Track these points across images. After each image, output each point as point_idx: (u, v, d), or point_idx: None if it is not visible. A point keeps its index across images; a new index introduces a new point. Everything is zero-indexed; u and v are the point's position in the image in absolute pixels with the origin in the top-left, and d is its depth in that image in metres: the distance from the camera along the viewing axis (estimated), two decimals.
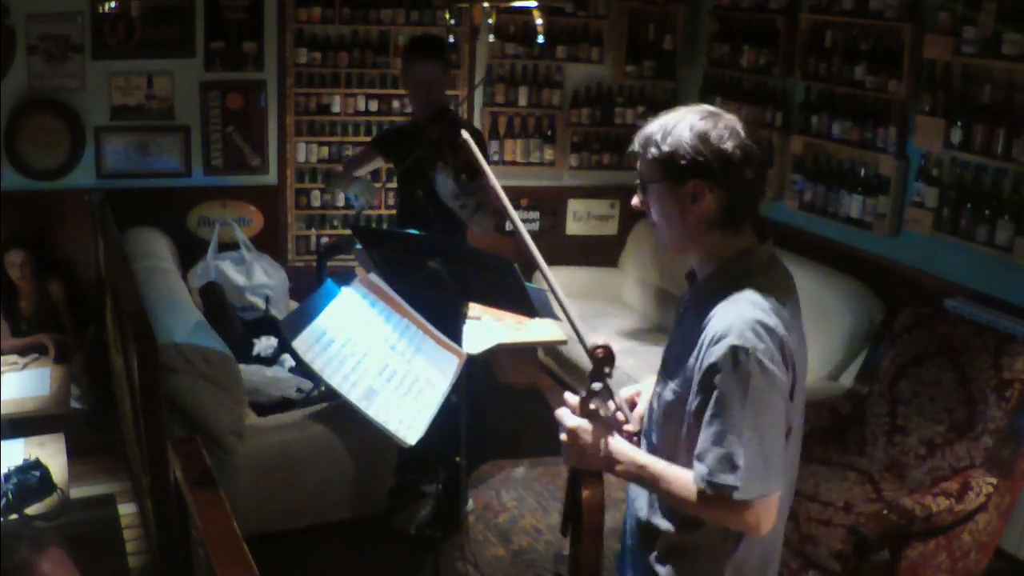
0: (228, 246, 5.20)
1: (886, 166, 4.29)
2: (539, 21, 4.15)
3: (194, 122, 5.13)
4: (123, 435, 4.13)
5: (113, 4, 4.85)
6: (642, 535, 1.94)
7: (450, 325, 3.04)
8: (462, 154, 3.65)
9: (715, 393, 1.69)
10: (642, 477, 1.82)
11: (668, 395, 1.83)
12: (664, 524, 1.88)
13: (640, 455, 1.84)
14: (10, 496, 3.14)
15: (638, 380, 4.88)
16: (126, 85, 4.97)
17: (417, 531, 3.87)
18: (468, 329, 3.21)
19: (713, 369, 1.69)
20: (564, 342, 4.75)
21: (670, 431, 1.84)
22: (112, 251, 4.11)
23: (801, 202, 4.77)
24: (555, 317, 3.28)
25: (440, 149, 3.65)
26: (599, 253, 5.92)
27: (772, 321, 1.70)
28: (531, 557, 3.79)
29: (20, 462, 3.27)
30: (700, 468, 1.71)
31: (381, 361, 2.56)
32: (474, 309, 4.22)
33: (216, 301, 4.60)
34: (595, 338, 1.88)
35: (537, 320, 3.47)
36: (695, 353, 1.75)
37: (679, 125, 1.73)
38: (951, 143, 3.86)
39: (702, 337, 1.73)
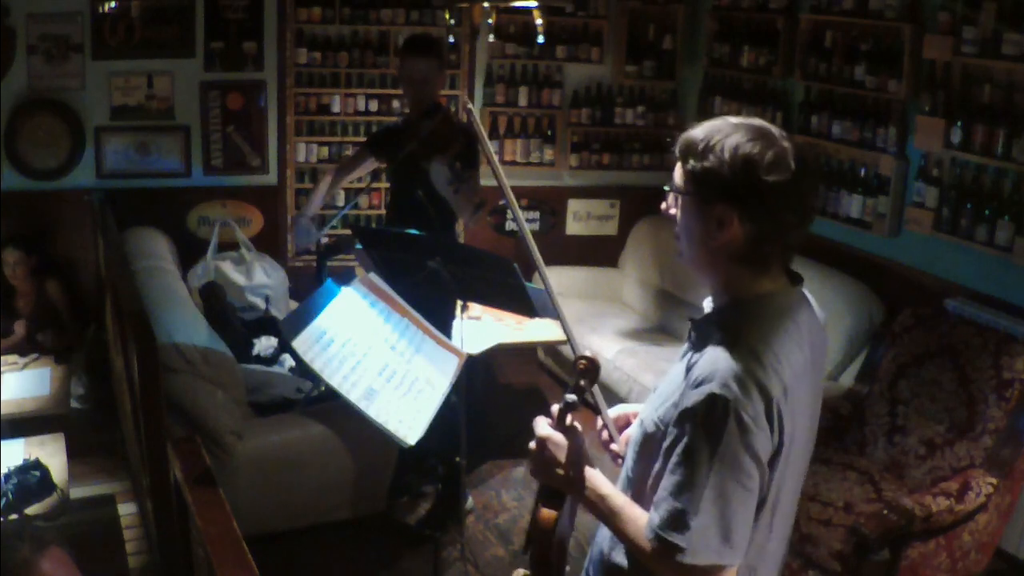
0: (228, 246, 5.20)
1: (886, 166, 4.29)
2: (539, 21, 4.15)
3: (194, 122, 5.13)
4: (123, 435, 4.13)
5: (113, 4, 4.85)
6: (602, 568, 1.83)
7: (449, 325, 3.04)
8: (456, 144, 3.67)
9: (684, 441, 1.54)
10: (600, 508, 1.68)
11: (649, 426, 1.69)
12: (622, 561, 1.76)
13: (604, 485, 1.70)
14: (10, 496, 3.14)
15: (638, 380, 4.89)
16: (126, 85, 4.97)
17: (417, 530, 3.87)
18: (468, 329, 3.21)
19: (686, 414, 1.54)
20: (564, 342, 4.76)
21: (644, 462, 1.70)
22: (112, 251, 4.10)
23: None
24: (555, 317, 3.28)
25: (433, 141, 3.67)
26: (599, 253, 5.92)
27: (764, 377, 1.52)
28: None
29: (20, 462, 3.27)
30: (653, 517, 1.58)
31: (381, 361, 2.56)
32: (474, 309, 4.24)
33: (216, 301, 4.60)
34: (585, 346, 1.82)
35: (537, 320, 3.47)
36: (680, 390, 1.60)
37: (726, 140, 1.55)
38: (951, 143, 3.86)
39: (688, 376, 1.59)
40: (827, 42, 4.58)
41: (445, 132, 3.70)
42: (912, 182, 4.20)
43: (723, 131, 1.58)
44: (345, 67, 5.28)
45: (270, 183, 5.34)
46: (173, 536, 2.80)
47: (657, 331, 5.28)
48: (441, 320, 2.94)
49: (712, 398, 1.51)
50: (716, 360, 1.55)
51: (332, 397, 3.65)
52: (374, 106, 5.38)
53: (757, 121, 1.62)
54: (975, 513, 3.22)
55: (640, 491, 1.70)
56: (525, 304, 3.05)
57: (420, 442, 2.46)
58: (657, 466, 1.63)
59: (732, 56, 5.22)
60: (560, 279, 5.63)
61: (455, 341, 2.98)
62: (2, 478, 3.17)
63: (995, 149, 3.69)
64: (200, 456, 2.55)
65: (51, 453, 3.42)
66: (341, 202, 5.46)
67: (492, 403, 4.95)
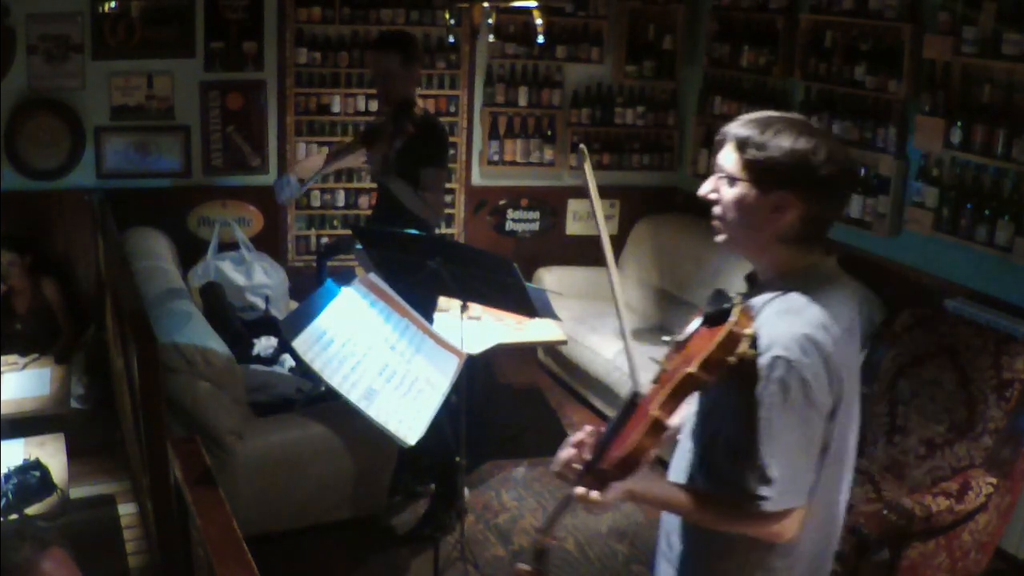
0: (228, 246, 5.20)
1: (886, 166, 4.29)
2: (539, 21, 4.14)
3: (194, 122, 5.13)
4: (123, 435, 4.13)
5: (113, 4, 4.85)
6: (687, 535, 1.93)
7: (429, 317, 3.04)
8: (399, 138, 3.72)
9: (755, 403, 1.69)
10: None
11: (708, 401, 1.84)
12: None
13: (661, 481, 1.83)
14: (10, 496, 3.13)
15: (639, 380, 4.89)
16: (126, 85, 4.97)
17: (415, 531, 3.87)
18: (468, 329, 3.21)
19: (756, 378, 1.69)
20: (564, 342, 4.76)
21: (704, 438, 1.84)
22: (112, 251, 4.10)
23: None
24: (555, 317, 3.28)
25: (379, 135, 3.74)
26: (599, 253, 5.86)
27: (820, 336, 1.69)
28: None
29: (20, 462, 3.27)
30: (735, 476, 1.71)
31: (381, 361, 2.56)
32: (474, 309, 4.24)
33: (216, 301, 4.60)
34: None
35: (537, 320, 3.47)
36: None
37: (783, 133, 1.71)
38: (951, 143, 3.86)
39: None
40: (827, 42, 4.59)
41: (393, 126, 3.73)
42: (912, 182, 4.20)
43: (776, 126, 1.72)
44: (345, 67, 5.28)
45: (270, 183, 5.33)
46: (173, 536, 2.80)
47: (657, 331, 5.28)
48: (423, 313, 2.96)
49: (777, 361, 1.67)
50: (774, 327, 1.70)
51: (332, 397, 3.66)
52: (374, 106, 5.37)
53: (800, 116, 1.78)
54: (975, 513, 3.22)
55: (708, 460, 1.83)
56: (525, 304, 3.05)
57: (419, 442, 2.46)
58: (724, 434, 1.77)
59: (732, 56, 5.21)
60: (560, 279, 5.63)
61: (454, 341, 2.98)
62: (2, 478, 3.17)
63: (995, 149, 3.69)
64: (200, 456, 2.55)
65: (51, 453, 3.41)
66: (341, 203, 5.47)
67: (492, 403, 4.96)
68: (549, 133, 5.69)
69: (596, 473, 1.71)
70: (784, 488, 1.68)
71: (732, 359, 1.67)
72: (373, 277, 2.84)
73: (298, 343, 2.43)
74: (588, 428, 1.84)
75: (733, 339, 1.68)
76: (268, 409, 3.88)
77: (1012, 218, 3.70)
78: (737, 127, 1.76)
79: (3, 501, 3.11)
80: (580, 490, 1.70)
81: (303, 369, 3.87)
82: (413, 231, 3.57)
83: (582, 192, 5.93)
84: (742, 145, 1.73)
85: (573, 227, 5.94)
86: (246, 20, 5.07)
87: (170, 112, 5.07)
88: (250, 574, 2.01)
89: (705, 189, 1.82)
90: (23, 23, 4.71)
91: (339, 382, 2.43)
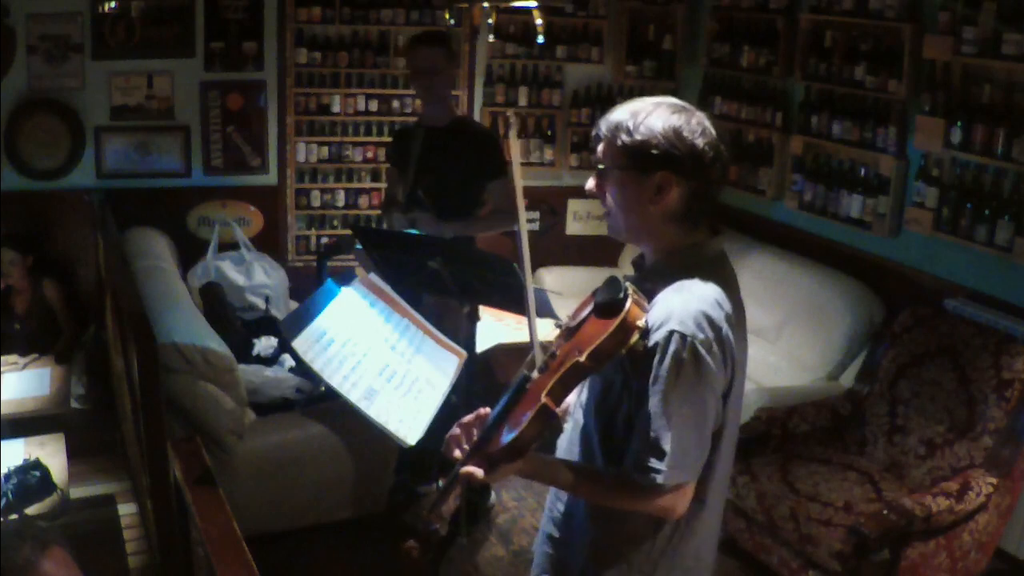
0: (228, 246, 5.20)
1: (886, 166, 4.29)
2: (539, 21, 4.15)
3: (194, 122, 5.13)
4: (123, 435, 4.13)
5: (113, 4, 4.85)
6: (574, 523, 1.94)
7: (450, 325, 3.04)
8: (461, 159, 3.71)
9: (649, 377, 1.70)
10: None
11: (601, 381, 1.84)
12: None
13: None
14: (10, 496, 3.14)
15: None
16: (126, 85, 4.97)
17: (450, 533, 3.86)
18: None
19: (650, 353, 1.69)
20: None
21: (603, 416, 1.84)
22: (112, 251, 4.10)
23: (801, 202, 4.78)
24: (555, 317, 3.28)
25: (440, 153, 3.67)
26: (599, 253, 5.91)
27: (716, 315, 1.70)
28: (531, 557, 3.78)
29: (20, 462, 3.27)
30: (632, 450, 1.73)
31: (381, 361, 2.56)
32: None
33: (216, 301, 4.60)
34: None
35: (537, 320, 3.47)
36: None
37: (652, 115, 1.72)
38: (951, 143, 3.86)
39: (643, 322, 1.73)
40: (827, 42, 4.59)
41: (453, 142, 3.71)
42: (912, 182, 4.20)
43: (646, 108, 1.74)
44: (345, 67, 5.28)
45: (270, 183, 5.34)
46: (173, 536, 2.80)
47: None
48: (443, 321, 2.94)
49: (672, 335, 1.68)
50: (669, 302, 1.72)
51: (332, 397, 3.67)
52: (374, 106, 5.37)
53: (671, 98, 1.79)
54: (975, 513, 3.22)
55: (604, 439, 1.83)
56: (525, 304, 3.05)
57: (419, 443, 2.46)
58: (621, 412, 1.79)
59: (732, 56, 5.22)
60: (560, 279, 5.63)
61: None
62: (2, 478, 3.17)
63: (995, 149, 3.69)
64: (200, 456, 2.55)
65: (51, 453, 3.41)
66: (341, 203, 5.47)
67: (492, 403, 4.94)
68: (549, 133, 5.69)
69: (484, 455, 1.75)
70: (675, 462, 1.69)
71: (623, 351, 1.69)
72: (373, 277, 2.84)
73: (298, 343, 2.43)
74: (481, 410, 1.88)
75: (626, 330, 1.69)
76: (268, 409, 3.88)
77: (1012, 218, 3.70)
78: (607, 118, 1.78)
79: (3, 501, 3.11)
80: (467, 469, 1.74)
81: (303, 369, 3.86)
82: (412, 231, 3.57)
83: (582, 192, 5.94)
84: (614, 134, 1.75)
85: (573, 227, 5.94)
86: (246, 20, 5.07)
87: (170, 112, 5.07)
88: (250, 574, 2.01)
89: (589, 185, 1.84)
90: (23, 23, 4.71)
91: (339, 382, 2.43)
